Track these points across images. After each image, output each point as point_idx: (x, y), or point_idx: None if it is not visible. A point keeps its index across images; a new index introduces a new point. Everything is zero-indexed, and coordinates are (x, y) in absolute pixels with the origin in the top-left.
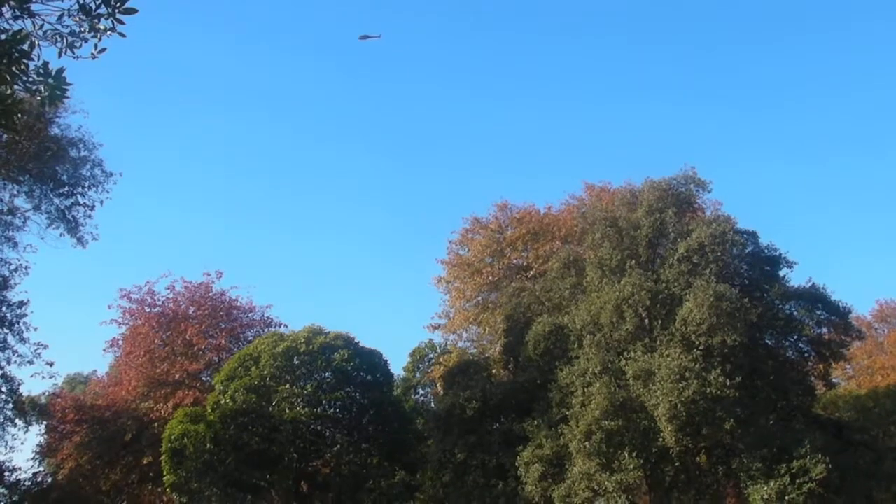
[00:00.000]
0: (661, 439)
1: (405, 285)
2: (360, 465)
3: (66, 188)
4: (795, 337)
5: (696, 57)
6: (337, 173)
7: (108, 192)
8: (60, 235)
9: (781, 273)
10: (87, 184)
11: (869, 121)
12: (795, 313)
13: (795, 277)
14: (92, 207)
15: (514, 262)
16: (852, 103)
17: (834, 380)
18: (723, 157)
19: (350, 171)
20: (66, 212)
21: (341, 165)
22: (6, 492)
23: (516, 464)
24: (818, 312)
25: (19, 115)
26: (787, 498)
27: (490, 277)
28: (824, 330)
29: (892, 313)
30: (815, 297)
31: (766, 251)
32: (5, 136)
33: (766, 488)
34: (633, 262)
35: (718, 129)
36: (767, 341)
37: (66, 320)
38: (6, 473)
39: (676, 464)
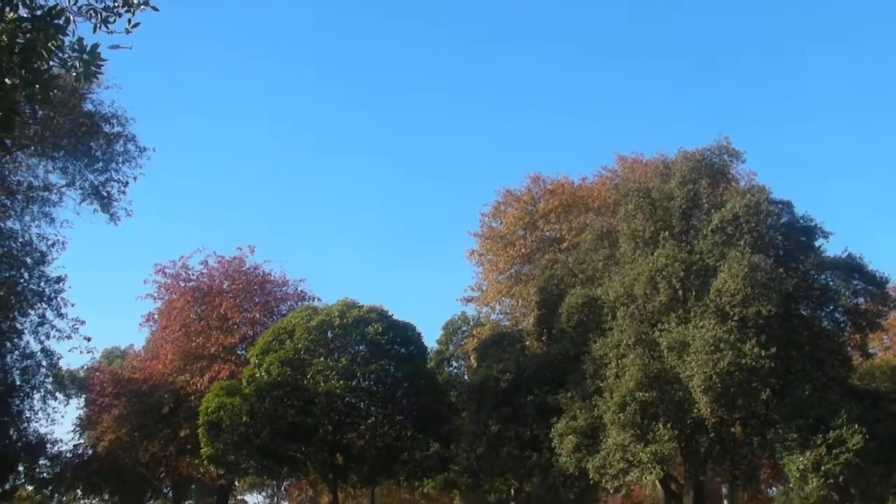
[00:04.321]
0: (695, 410)
1: (438, 258)
2: (395, 437)
3: (100, 164)
4: (831, 307)
5: (725, 20)
6: (371, 145)
7: (141, 167)
8: (94, 211)
9: (817, 243)
10: (120, 159)
11: None
12: (831, 283)
13: (831, 247)
14: (126, 184)
15: (547, 234)
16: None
17: (871, 350)
18: (758, 125)
19: (384, 143)
20: (101, 188)
21: (375, 137)
22: (49, 463)
23: (550, 435)
24: (854, 282)
25: (55, 91)
26: (823, 468)
27: (523, 250)
28: (861, 300)
29: None
30: (851, 267)
31: (801, 221)
32: (40, 112)
33: (801, 459)
34: (667, 233)
35: (753, 96)
36: (803, 312)
37: (103, 295)
38: (48, 445)
39: (711, 435)
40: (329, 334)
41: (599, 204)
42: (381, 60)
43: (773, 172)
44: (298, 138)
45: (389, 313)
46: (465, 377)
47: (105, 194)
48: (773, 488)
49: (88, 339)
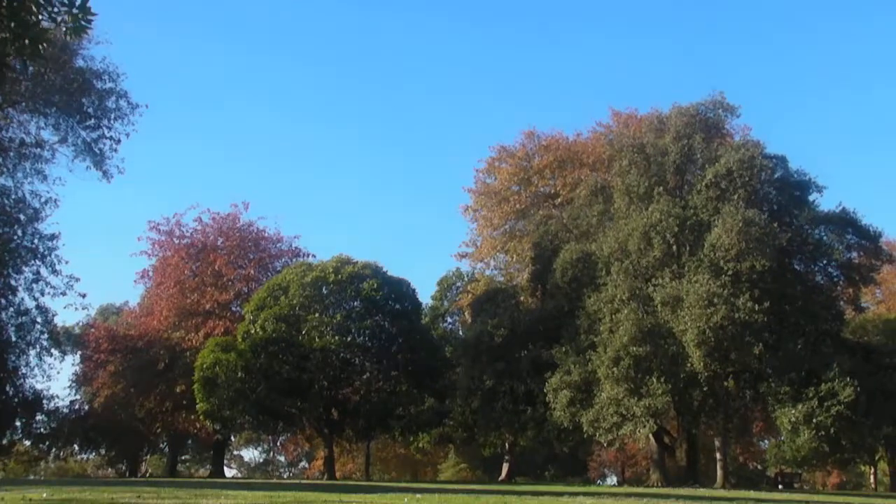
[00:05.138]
0: (689, 364)
1: (433, 214)
2: (390, 392)
3: (93, 120)
4: (825, 261)
5: None
6: (364, 101)
7: (133, 124)
8: (87, 168)
9: (811, 197)
10: (112, 116)
11: None
12: (825, 238)
13: (825, 202)
14: (118, 141)
15: (542, 189)
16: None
17: (863, 304)
18: (753, 78)
19: (377, 99)
20: (93, 144)
21: (368, 95)
22: (45, 419)
23: (545, 390)
24: (848, 237)
25: (44, 45)
26: (814, 421)
27: (517, 205)
28: (854, 254)
29: None
30: (844, 221)
31: (795, 176)
32: (31, 68)
33: (793, 411)
34: (661, 188)
35: (749, 50)
36: (796, 266)
37: (97, 252)
38: (45, 401)
39: (704, 388)
40: (324, 290)
41: (594, 159)
42: (376, 21)
43: (769, 127)
44: (293, 95)
45: (384, 269)
46: (460, 333)
47: (97, 151)
48: (765, 441)
49: (83, 296)
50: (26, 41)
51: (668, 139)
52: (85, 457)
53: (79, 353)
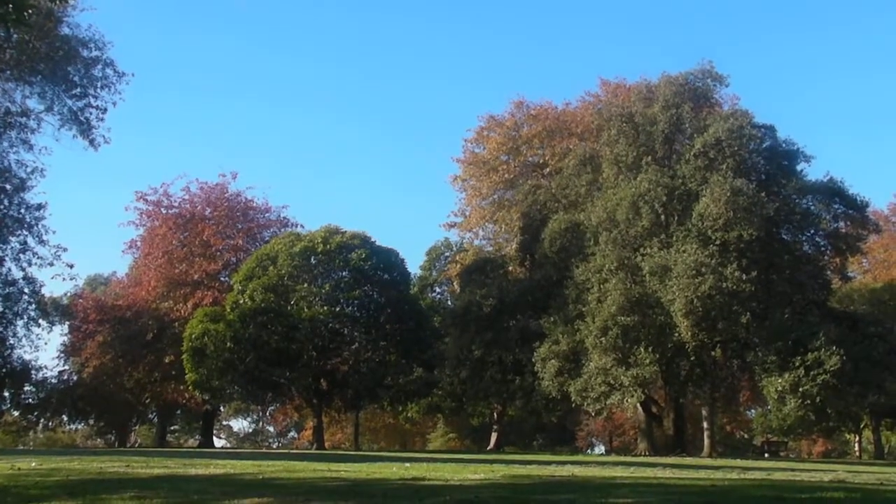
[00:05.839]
0: (676, 334)
1: (421, 184)
2: (379, 362)
3: (79, 89)
4: (812, 231)
5: None
6: (353, 71)
7: (120, 93)
8: (73, 137)
9: (799, 167)
10: (99, 84)
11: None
12: (812, 207)
13: (813, 171)
14: (104, 110)
15: (530, 159)
16: None
17: (850, 273)
18: (743, 48)
19: (366, 69)
20: (79, 113)
21: (356, 65)
22: (34, 389)
23: (533, 360)
24: (835, 206)
25: (29, 12)
26: (801, 389)
27: (506, 175)
28: (841, 224)
29: None
30: (832, 191)
31: (783, 145)
32: (16, 35)
33: (780, 380)
34: (650, 158)
35: (739, 20)
36: (784, 236)
37: (85, 222)
38: (33, 372)
39: (692, 358)
40: (312, 260)
41: (583, 129)
42: None
43: (757, 97)
44: (281, 64)
45: (373, 239)
46: (449, 302)
47: (84, 120)
48: (752, 410)
49: (71, 266)
50: (10, 7)
51: (657, 108)
52: (74, 427)
53: (67, 323)
